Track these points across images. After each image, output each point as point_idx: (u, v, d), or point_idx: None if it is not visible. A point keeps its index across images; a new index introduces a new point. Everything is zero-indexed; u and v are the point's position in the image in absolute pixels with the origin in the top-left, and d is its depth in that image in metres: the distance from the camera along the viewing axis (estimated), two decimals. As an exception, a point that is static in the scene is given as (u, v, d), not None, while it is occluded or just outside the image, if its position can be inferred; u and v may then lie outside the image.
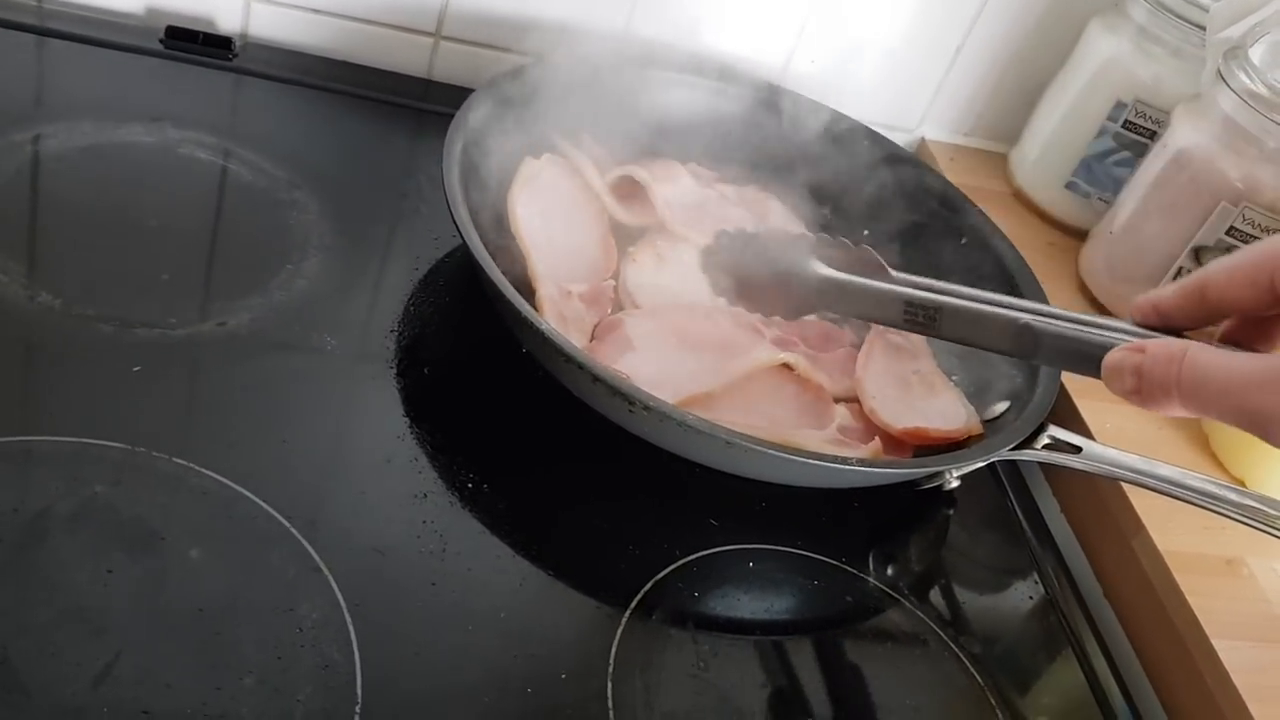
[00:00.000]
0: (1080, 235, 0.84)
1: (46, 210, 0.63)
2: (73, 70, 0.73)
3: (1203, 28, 0.76)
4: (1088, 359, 0.44)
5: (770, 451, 0.55)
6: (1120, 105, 0.81)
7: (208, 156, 0.68)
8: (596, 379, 0.55)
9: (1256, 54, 0.71)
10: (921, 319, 0.50)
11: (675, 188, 0.74)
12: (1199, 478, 0.60)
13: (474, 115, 0.67)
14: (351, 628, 0.48)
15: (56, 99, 0.70)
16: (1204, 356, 0.39)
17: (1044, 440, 0.62)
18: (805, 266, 0.56)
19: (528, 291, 0.65)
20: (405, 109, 0.80)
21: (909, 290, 0.51)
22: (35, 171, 0.65)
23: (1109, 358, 0.42)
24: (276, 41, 0.79)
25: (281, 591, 0.49)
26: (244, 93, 0.76)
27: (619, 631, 0.53)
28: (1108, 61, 0.81)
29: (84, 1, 0.76)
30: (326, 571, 0.50)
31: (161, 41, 0.75)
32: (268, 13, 0.78)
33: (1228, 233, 0.72)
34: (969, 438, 0.64)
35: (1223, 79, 0.71)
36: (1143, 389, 0.40)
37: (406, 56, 0.82)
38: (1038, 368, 0.67)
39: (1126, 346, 0.42)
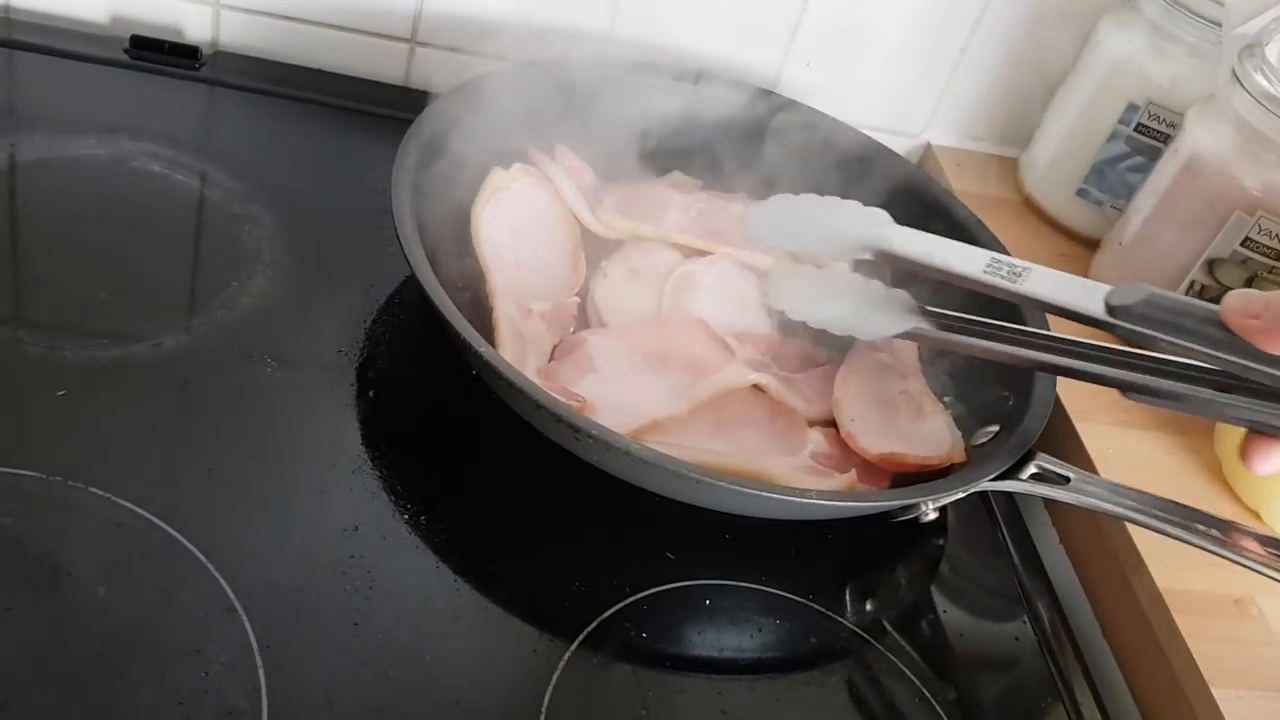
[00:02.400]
0: (1092, 245, 0.79)
1: (-13, 227, 0.61)
2: (38, 82, 0.71)
3: (1220, 24, 0.70)
4: (1188, 320, 0.43)
5: (720, 483, 0.51)
6: (1133, 108, 0.76)
7: (161, 169, 0.66)
8: (539, 405, 0.52)
9: (1274, 52, 0.66)
10: (1005, 273, 0.49)
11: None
12: (1202, 515, 0.55)
13: (433, 124, 0.65)
14: (262, 672, 0.46)
15: (19, 111, 0.69)
16: None
17: (1031, 470, 0.58)
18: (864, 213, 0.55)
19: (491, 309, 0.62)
20: (381, 118, 0.77)
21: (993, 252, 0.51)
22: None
23: (1235, 290, 0.44)
24: (246, 49, 0.77)
25: (190, 632, 0.46)
26: (211, 103, 0.74)
27: (555, 675, 0.49)
28: (1119, 62, 0.76)
29: (50, 11, 0.74)
30: (240, 610, 0.47)
31: (127, 51, 0.73)
32: (238, 20, 0.76)
33: (1243, 244, 0.67)
34: (950, 465, 0.60)
35: (1237, 79, 0.66)
36: (1268, 316, 0.42)
37: (381, 63, 0.79)
38: (1032, 390, 0.62)
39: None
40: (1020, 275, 0.48)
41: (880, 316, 0.54)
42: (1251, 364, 0.42)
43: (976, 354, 0.52)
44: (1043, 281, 0.47)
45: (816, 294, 0.57)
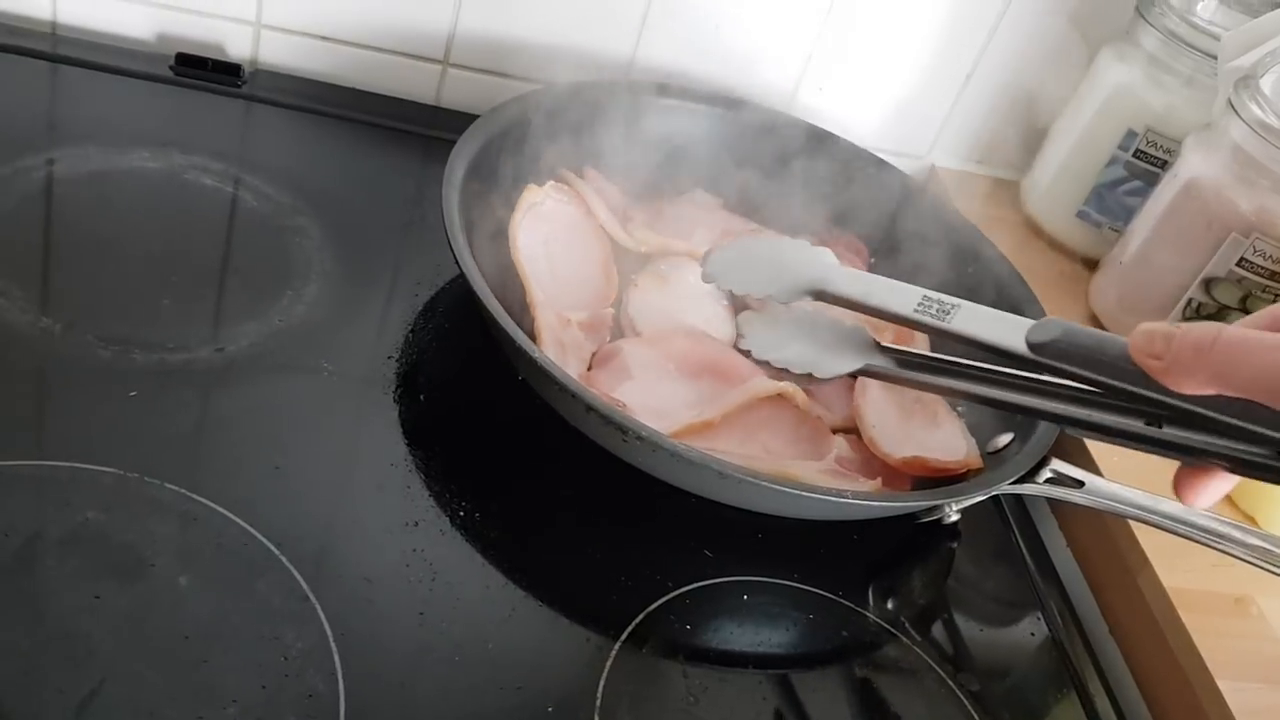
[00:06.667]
0: (1092, 265, 0.83)
1: (52, 235, 0.63)
2: (84, 97, 0.74)
3: (1214, 57, 0.75)
4: (1103, 355, 0.42)
5: (763, 483, 0.54)
6: (1131, 134, 0.80)
7: (213, 183, 0.69)
8: (590, 408, 0.55)
9: (1268, 84, 0.70)
10: (935, 311, 0.49)
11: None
12: (1205, 515, 0.59)
13: (475, 143, 0.67)
14: (337, 657, 0.48)
15: (68, 125, 0.71)
16: (1239, 333, 0.39)
17: (1046, 474, 0.61)
18: (809, 254, 0.55)
19: (529, 319, 0.65)
20: (413, 136, 0.80)
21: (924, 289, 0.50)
22: (43, 197, 0.65)
23: (1142, 325, 0.41)
24: (286, 68, 0.80)
25: (268, 619, 0.49)
26: (252, 119, 0.77)
27: (608, 664, 0.52)
28: (1118, 90, 0.80)
29: (96, 28, 0.77)
30: (314, 599, 0.50)
31: (171, 68, 0.76)
32: (277, 39, 0.79)
33: (1238, 264, 0.71)
34: (968, 470, 0.63)
35: (1233, 109, 0.70)
36: (1170, 355, 0.40)
37: (415, 83, 0.82)
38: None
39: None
40: (949, 313, 0.48)
41: (837, 355, 0.55)
42: (1163, 398, 0.41)
43: (933, 390, 0.52)
44: (970, 319, 0.48)
45: (779, 334, 0.59)
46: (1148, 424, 0.43)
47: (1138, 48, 0.80)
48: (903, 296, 0.50)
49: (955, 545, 0.66)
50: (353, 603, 0.51)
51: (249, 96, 0.77)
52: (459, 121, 0.70)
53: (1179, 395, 0.41)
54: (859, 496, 0.57)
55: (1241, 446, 0.41)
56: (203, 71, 0.76)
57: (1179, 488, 0.44)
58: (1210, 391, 0.39)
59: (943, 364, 0.50)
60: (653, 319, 0.70)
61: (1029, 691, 0.61)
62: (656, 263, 0.73)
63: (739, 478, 0.54)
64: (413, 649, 0.50)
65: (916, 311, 0.49)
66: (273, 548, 0.51)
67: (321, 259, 0.66)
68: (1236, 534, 0.58)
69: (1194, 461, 0.43)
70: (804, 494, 0.56)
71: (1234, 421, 0.40)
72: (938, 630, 0.61)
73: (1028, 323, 0.46)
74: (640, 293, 0.71)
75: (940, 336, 0.48)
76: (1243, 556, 0.58)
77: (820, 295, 0.54)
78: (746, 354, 0.57)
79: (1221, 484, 0.43)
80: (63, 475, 0.51)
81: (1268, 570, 0.58)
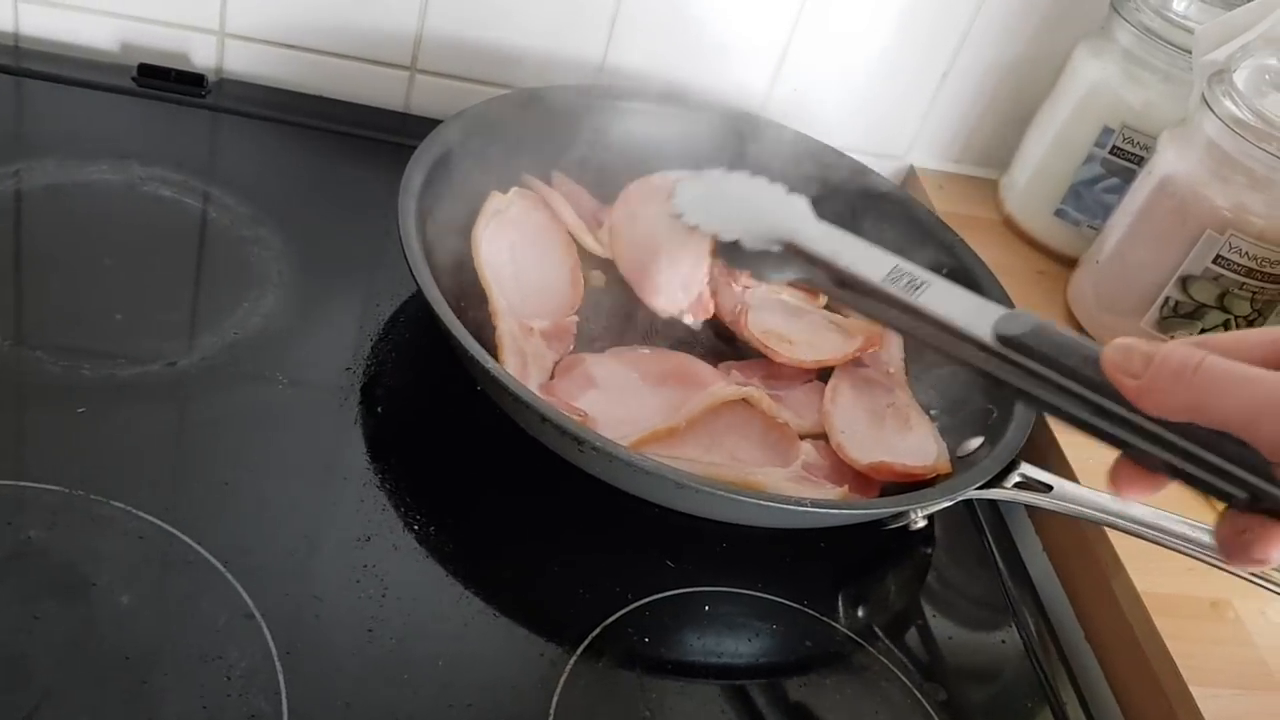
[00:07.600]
0: (1071, 263, 0.82)
1: (3, 249, 0.63)
2: (47, 110, 0.73)
3: (1189, 51, 0.73)
4: (1070, 358, 0.40)
5: (719, 492, 0.53)
6: (1108, 131, 0.79)
7: (171, 194, 0.68)
8: (544, 419, 0.54)
9: (1241, 78, 0.69)
10: (905, 284, 0.46)
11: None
12: (1175, 519, 0.58)
13: (436, 150, 0.67)
14: (281, 677, 0.47)
15: (29, 138, 0.71)
16: (1222, 363, 0.37)
17: (1015, 478, 0.60)
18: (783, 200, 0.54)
19: (492, 328, 0.64)
20: (381, 143, 0.79)
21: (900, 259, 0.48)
22: (2, 213, 0.65)
23: (1119, 340, 0.39)
24: (251, 77, 0.79)
25: (211, 639, 0.48)
26: (216, 129, 0.76)
27: (562, 680, 0.51)
28: (1094, 87, 0.79)
29: (59, 39, 0.76)
30: (260, 618, 0.49)
31: (134, 80, 0.75)
32: (242, 48, 0.78)
33: (1214, 261, 0.69)
34: (937, 475, 0.62)
35: (1207, 104, 0.69)
36: (1148, 377, 0.38)
37: (382, 90, 0.81)
38: (1015, 403, 0.65)
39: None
40: (919, 288, 0.45)
41: (771, 225, 0.52)
42: (1124, 413, 0.39)
43: (833, 295, 0.50)
44: (940, 297, 0.44)
45: (712, 200, 0.58)
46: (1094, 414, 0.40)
47: (1113, 44, 0.79)
48: (874, 263, 0.47)
49: (930, 551, 0.65)
50: (300, 620, 0.50)
51: (213, 107, 0.76)
52: (429, 128, 0.69)
53: (1133, 410, 0.39)
54: (819, 504, 0.56)
55: (1192, 468, 0.38)
56: (166, 82, 0.75)
57: (1114, 476, 0.41)
58: (1183, 420, 0.37)
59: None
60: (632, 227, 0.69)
61: (999, 699, 0.60)
62: None
63: (696, 487, 0.53)
64: (360, 667, 0.49)
65: (885, 281, 0.46)
66: (219, 565, 0.50)
67: (280, 270, 0.66)
68: (1207, 538, 0.57)
69: (1139, 459, 0.40)
70: (762, 502, 0.55)
71: (1197, 451, 0.38)
72: (906, 639, 0.60)
73: (998, 310, 0.43)
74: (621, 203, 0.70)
75: (906, 311, 0.45)
76: (1213, 561, 0.57)
77: (790, 247, 0.52)
78: (678, 217, 0.57)
79: (1158, 483, 0.40)
80: (6, 494, 0.50)
81: (1240, 575, 0.57)
